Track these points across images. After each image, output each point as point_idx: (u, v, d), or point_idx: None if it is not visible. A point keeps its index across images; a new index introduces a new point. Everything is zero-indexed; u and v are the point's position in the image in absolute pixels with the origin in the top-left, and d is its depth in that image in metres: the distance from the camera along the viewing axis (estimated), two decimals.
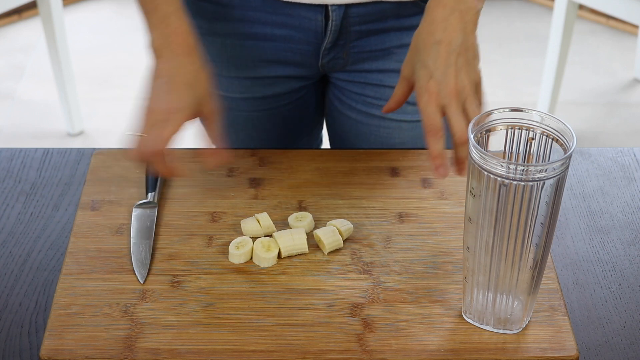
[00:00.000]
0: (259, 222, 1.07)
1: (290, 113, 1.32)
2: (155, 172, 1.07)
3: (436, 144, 1.01)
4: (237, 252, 1.03)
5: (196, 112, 1.06)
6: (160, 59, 1.07)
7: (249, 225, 1.06)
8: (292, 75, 1.27)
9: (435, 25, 1.03)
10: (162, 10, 1.08)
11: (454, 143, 1.01)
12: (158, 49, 1.08)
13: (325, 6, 1.19)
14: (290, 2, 1.18)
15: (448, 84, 1.01)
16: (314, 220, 1.08)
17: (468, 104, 1.01)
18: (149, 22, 1.09)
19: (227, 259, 1.03)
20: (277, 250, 1.03)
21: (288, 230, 1.05)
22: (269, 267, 1.03)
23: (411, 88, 1.07)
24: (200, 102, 1.06)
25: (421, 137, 1.30)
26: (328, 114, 1.36)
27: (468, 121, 1.00)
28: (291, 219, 1.08)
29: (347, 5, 1.19)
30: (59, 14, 2.63)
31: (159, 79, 1.06)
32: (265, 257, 1.02)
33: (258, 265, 1.03)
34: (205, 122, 1.08)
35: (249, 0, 1.20)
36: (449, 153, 1.02)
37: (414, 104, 1.26)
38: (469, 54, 1.03)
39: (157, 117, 1.03)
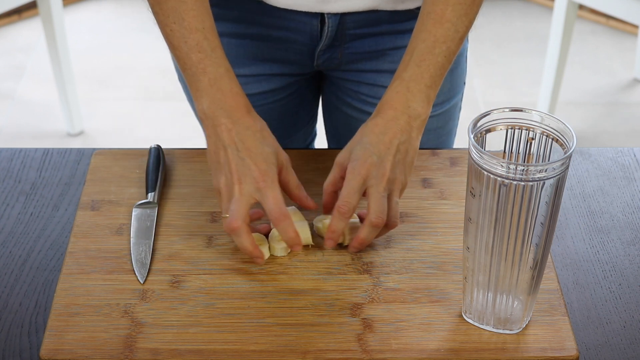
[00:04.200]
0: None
1: (285, 108, 1.32)
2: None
3: (339, 223, 1.01)
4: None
5: (278, 166, 1.03)
6: (219, 127, 1.02)
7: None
8: (288, 72, 1.27)
9: (384, 121, 1.04)
10: (211, 74, 1.04)
11: (366, 222, 1.01)
12: (213, 116, 1.03)
13: (322, 13, 1.19)
14: (287, 9, 1.19)
15: (382, 169, 1.01)
16: (314, 220, 1.08)
17: (392, 196, 1.02)
18: (195, 88, 1.04)
19: (227, 259, 1.03)
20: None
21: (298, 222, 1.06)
22: (283, 256, 1.04)
23: (343, 176, 1.04)
24: (277, 154, 1.03)
25: None
26: (325, 107, 1.37)
27: (388, 210, 1.01)
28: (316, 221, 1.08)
29: (343, 14, 1.19)
30: (59, 14, 2.63)
31: (227, 149, 1.02)
32: (280, 247, 1.03)
33: (258, 265, 1.03)
34: (282, 173, 1.05)
35: (246, 3, 1.20)
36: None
37: None
38: (408, 157, 1.04)
39: (250, 188, 1.00)
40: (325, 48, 1.23)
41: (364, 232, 1.02)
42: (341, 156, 1.05)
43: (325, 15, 1.19)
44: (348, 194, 1.01)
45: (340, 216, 1.01)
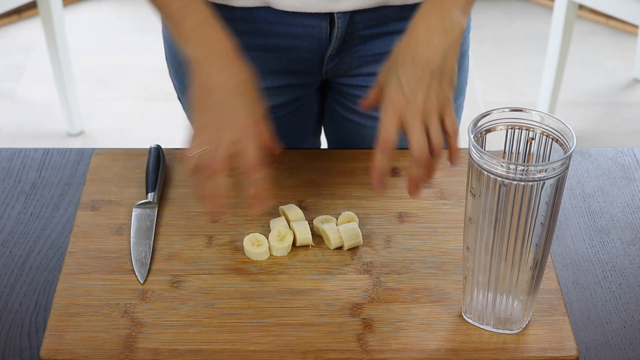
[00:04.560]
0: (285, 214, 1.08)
1: (293, 120, 1.31)
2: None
3: (382, 160, 1.00)
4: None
5: (258, 118, 1.03)
6: (207, 72, 1.01)
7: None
8: (296, 83, 1.26)
9: (418, 42, 1.02)
10: (195, 18, 1.03)
11: (410, 160, 1.00)
12: (200, 60, 1.02)
13: (331, 13, 1.19)
14: (295, 12, 1.18)
15: (415, 101, 1.00)
16: (313, 218, 1.08)
17: (431, 125, 1.00)
18: (180, 33, 1.04)
19: (227, 259, 1.03)
20: (292, 240, 1.04)
21: (300, 222, 1.06)
22: (283, 255, 1.04)
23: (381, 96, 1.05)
24: (258, 107, 1.03)
25: None
26: (328, 118, 1.36)
27: (429, 142, 1.00)
28: (316, 221, 1.08)
29: (352, 12, 1.18)
30: (59, 14, 2.63)
31: (215, 94, 1.01)
32: (280, 247, 1.03)
33: (258, 265, 1.03)
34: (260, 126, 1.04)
35: (251, 12, 1.19)
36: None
37: None
38: (445, 78, 1.02)
39: (231, 138, 0.99)
40: (334, 53, 1.22)
41: (413, 171, 1.00)
42: (381, 77, 1.05)
43: (335, 16, 1.18)
44: (385, 132, 1.00)
45: (383, 153, 1.00)
